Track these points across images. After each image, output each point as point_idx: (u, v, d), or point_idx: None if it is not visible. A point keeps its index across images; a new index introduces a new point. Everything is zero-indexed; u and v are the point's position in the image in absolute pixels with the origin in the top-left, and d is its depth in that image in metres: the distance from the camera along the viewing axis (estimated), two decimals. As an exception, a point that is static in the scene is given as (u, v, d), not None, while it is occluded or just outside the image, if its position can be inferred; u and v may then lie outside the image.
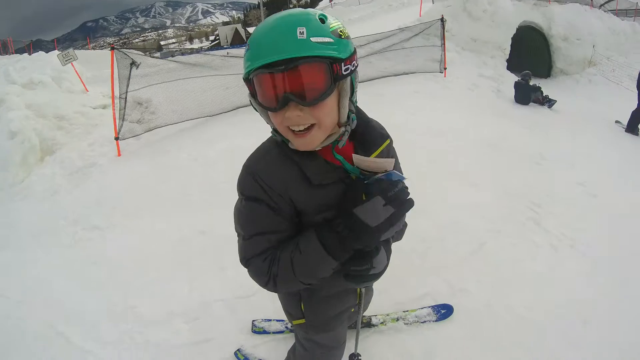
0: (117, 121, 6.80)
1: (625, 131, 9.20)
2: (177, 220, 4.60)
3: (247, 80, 1.20)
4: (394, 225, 1.22)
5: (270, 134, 1.38)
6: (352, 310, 1.76)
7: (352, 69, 1.19)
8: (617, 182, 6.14)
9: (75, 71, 10.19)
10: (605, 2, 19.84)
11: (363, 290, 1.67)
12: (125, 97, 6.96)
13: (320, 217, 1.32)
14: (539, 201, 5.10)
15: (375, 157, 1.37)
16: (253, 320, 3.13)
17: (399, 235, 1.59)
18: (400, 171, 1.58)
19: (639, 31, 16.41)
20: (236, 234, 1.42)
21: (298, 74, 1.10)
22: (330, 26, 1.15)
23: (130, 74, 6.88)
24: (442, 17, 10.45)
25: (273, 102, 1.15)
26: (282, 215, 1.31)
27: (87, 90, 9.92)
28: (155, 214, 4.79)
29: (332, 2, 49.72)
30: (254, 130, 6.58)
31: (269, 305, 3.22)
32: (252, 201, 1.31)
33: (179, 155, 6.19)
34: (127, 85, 6.92)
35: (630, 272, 3.93)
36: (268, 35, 1.11)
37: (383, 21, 15.52)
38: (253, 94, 1.21)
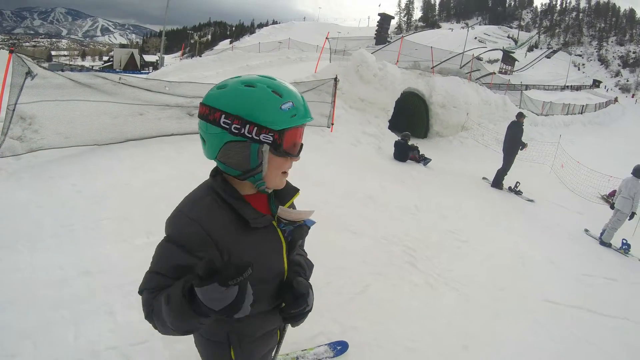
0: None
1: (491, 186, 10.62)
2: (59, 257, 4.13)
3: (281, 130, 1.32)
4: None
5: (210, 180, 1.46)
6: (273, 351, 1.82)
7: None
8: (484, 228, 7.10)
9: None
10: (482, 77, 22.17)
11: (285, 330, 1.74)
12: (14, 110, 6.17)
13: (263, 271, 1.43)
14: (415, 246, 5.72)
15: (288, 206, 1.54)
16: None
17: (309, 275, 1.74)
18: None
19: (508, 103, 18.65)
20: None
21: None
22: None
23: (23, 85, 6.14)
24: (336, 77, 11.14)
25: (297, 150, 1.41)
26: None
27: None
28: (34, 248, 4.24)
29: (233, 46, 50.62)
30: (143, 167, 6.56)
31: (164, 352, 3.10)
32: (174, 245, 1.31)
33: (62, 184, 5.64)
34: (18, 96, 6.15)
35: (500, 303, 4.70)
36: (300, 98, 1.37)
37: (280, 72, 15.97)
38: (278, 143, 1.33)
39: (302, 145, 1.43)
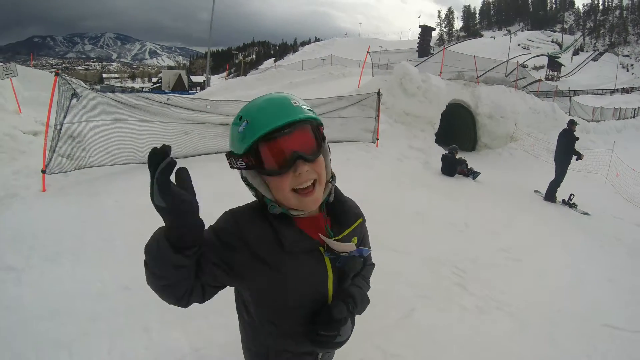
0: (47, 153, 6.26)
1: (544, 199, 10.11)
2: (100, 271, 4.28)
3: (246, 153, 1.26)
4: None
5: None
6: None
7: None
8: (538, 245, 6.69)
9: (12, 88, 9.36)
10: (528, 84, 21.60)
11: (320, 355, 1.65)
12: (61, 129, 6.46)
13: (297, 296, 1.38)
14: (464, 267, 5.42)
15: (347, 233, 1.45)
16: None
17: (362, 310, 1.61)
18: (369, 245, 1.71)
19: (558, 110, 17.98)
20: None
21: (301, 134, 1.25)
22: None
23: (69, 105, 6.42)
24: (379, 91, 11.05)
25: (284, 164, 1.24)
26: (226, 257, 1.30)
27: (20, 112, 9.04)
28: (76, 262, 4.42)
29: (277, 64, 51.68)
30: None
31: None
32: (210, 230, 1.33)
33: (106, 201, 5.86)
34: (64, 117, 6.45)
35: (556, 328, 4.33)
36: (267, 107, 1.25)
37: (323, 88, 15.94)
38: (253, 165, 1.27)
39: (298, 155, 1.24)
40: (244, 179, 1.35)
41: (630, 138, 22.49)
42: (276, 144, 1.23)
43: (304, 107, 1.28)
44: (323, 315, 1.37)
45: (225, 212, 1.40)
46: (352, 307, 1.44)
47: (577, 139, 10.22)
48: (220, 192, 5.00)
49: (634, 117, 31.31)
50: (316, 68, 31.20)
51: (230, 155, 1.31)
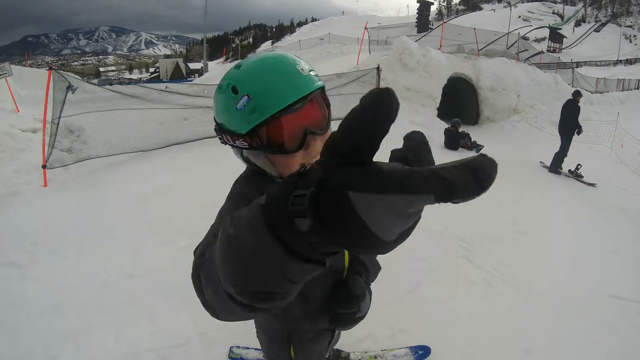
0: (46, 148, 6.37)
1: (549, 171, 10.02)
2: (103, 261, 4.32)
3: (249, 133, 1.10)
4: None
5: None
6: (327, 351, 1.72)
7: None
8: (543, 217, 6.63)
9: (8, 88, 9.54)
10: (530, 57, 21.35)
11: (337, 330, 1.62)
12: (58, 123, 6.55)
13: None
14: (471, 240, 5.40)
15: None
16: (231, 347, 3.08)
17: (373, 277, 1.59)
18: None
19: (560, 82, 17.71)
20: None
21: (312, 106, 1.11)
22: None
23: (65, 99, 6.50)
24: (378, 66, 10.93)
25: (295, 142, 1.10)
26: None
27: (18, 111, 9.14)
28: (79, 254, 4.47)
29: (274, 46, 51.41)
30: (187, 169, 6.63)
31: (202, 354, 3.09)
32: (239, 198, 1.20)
33: (107, 191, 5.94)
34: (61, 110, 6.53)
35: (563, 300, 4.27)
36: (273, 78, 1.07)
37: (322, 66, 15.70)
38: (258, 146, 1.11)
39: (310, 131, 1.10)
40: (242, 156, 1.21)
41: (634, 109, 22.36)
42: (287, 121, 1.08)
43: (311, 73, 1.13)
44: (342, 293, 1.33)
45: (240, 177, 1.30)
46: (365, 277, 1.43)
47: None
48: (221, 174, 4.97)
49: (637, 88, 31.19)
50: (314, 47, 31.04)
51: (223, 131, 1.15)
